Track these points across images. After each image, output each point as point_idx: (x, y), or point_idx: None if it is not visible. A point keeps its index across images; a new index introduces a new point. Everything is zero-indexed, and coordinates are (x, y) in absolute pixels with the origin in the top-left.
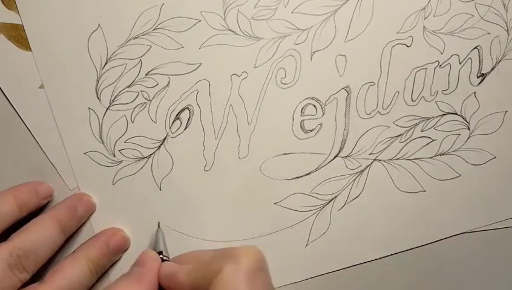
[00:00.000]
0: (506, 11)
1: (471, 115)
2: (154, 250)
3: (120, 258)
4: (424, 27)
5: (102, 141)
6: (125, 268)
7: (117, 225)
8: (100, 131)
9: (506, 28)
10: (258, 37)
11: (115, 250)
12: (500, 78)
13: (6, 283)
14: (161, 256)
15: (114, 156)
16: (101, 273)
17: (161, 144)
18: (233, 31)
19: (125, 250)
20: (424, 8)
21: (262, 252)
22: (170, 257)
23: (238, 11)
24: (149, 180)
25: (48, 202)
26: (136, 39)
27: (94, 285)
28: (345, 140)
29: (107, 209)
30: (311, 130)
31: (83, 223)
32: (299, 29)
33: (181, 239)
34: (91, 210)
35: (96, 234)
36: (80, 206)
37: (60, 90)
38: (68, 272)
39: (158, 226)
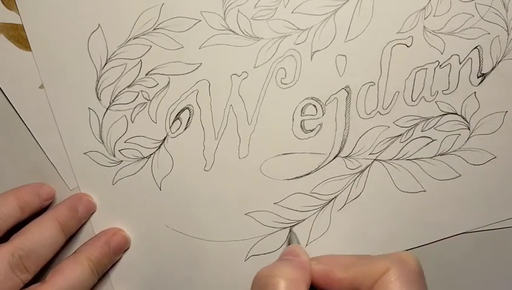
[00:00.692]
0: (507, 11)
1: (471, 115)
2: None
3: (120, 258)
4: (424, 27)
5: (102, 141)
6: (126, 268)
7: (117, 225)
8: (100, 131)
9: (506, 28)
10: (258, 37)
11: (115, 250)
12: (500, 78)
13: (8, 284)
14: None
15: (114, 156)
16: (102, 274)
17: (161, 144)
18: (233, 31)
19: (125, 250)
20: (424, 8)
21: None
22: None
23: (238, 11)
24: (149, 180)
25: (50, 203)
26: (136, 39)
27: (95, 285)
28: (345, 140)
29: (107, 209)
30: (311, 130)
31: (84, 223)
32: (299, 29)
33: (181, 239)
34: (91, 210)
35: (96, 235)
36: (81, 206)
37: (60, 90)
38: (69, 272)
39: (290, 230)
